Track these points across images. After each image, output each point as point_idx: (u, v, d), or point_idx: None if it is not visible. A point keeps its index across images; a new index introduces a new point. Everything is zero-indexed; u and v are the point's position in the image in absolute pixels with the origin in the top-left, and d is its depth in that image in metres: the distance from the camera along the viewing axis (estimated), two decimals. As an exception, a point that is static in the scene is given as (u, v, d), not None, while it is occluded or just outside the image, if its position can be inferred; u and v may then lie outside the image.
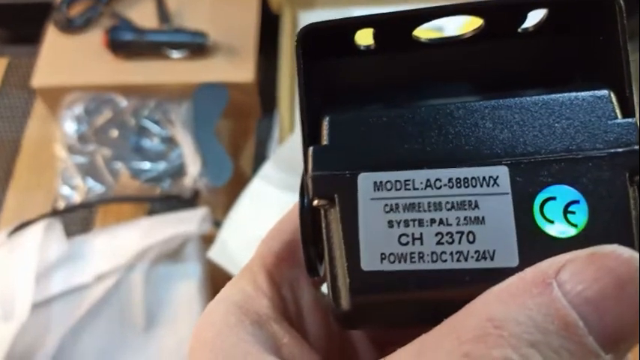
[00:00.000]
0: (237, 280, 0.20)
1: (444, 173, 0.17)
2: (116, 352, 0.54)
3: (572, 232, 0.16)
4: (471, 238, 0.16)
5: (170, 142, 0.65)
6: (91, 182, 0.63)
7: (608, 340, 0.14)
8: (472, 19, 0.19)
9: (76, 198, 0.63)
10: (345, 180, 0.17)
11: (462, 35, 0.20)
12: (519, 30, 0.20)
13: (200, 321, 0.19)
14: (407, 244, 0.17)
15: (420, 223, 0.17)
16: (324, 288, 0.19)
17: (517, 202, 0.16)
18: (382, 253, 0.17)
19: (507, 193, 0.17)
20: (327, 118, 0.18)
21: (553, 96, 0.18)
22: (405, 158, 0.17)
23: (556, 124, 0.17)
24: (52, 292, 0.54)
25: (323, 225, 0.18)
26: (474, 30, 0.20)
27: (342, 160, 0.18)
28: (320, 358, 0.19)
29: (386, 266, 0.17)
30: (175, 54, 0.68)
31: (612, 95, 0.17)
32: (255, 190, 0.58)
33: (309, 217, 0.19)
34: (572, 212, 0.16)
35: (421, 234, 0.17)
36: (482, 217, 0.17)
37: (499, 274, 0.15)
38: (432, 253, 0.17)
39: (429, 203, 0.17)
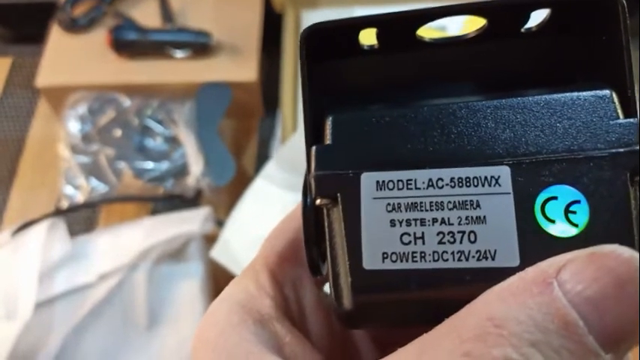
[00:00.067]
0: (240, 280, 0.20)
1: (446, 173, 0.17)
2: (119, 351, 0.54)
3: (573, 231, 0.16)
4: (472, 237, 0.17)
5: (173, 141, 0.65)
6: (94, 182, 0.64)
7: (608, 339, 0.14)
8: (473, 18, 0.19)
9: (80, 197, 0.63)
10: (347, 179, 0.18)
11: (465, 35, 0.20)
12: (522, 30, 0.20)
13: (203, 320, 0.19)
14: (409, 243, 0.17)
15: (422, 222, 0.17)
16: (327, 287, 0.19)
17: (518, 202, 0.16)
18: (384, 253, 0.17)
19: (509, 193, 0.17)
20: (330, 118, 0.18)
21: (555, 96, 0.18)
22: (408, 158, 0.18)
23: (558, 124, 0.17)
24: (55, 291, 0.54)
25: (325, 224, 0.18)
26: (477, 30, 0.20)
27: (345, 160, 0.18)
28: (322, 357, 0.19)
29: (388, 265, 0.17)
30: (179, 53, 0.69)
31: (614, 95, 0.17)
32: (258, 190, 0.58)
33: (311, 217, 0.19)
34: (574, 212, 0.16)
35: (423, 233, 0.17)
36: (484, 217, 0.17)
37: (500, 274, 0.15)
38: (434, 252, 0.17)
39: (430, 203, 0.17)
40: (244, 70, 0.68)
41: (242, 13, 0.72)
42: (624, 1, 0.18)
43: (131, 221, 0.60)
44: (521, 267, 0.15)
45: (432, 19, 0.19)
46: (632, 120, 0.17)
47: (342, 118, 0.18)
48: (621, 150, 0.16)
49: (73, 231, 0.61)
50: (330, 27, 0.19)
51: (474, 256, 0.16)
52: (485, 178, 0.17)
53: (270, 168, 0.59)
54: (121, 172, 0.64)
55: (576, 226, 0.16)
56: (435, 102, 0.18)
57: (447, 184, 0.17)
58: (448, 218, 0.17)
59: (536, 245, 0.16)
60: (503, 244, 0.16)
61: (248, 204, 0.58)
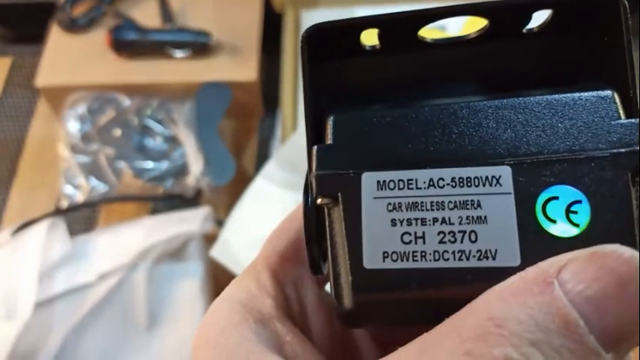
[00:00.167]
0: (242, 279, 0.20)
1: (447, 173, 0.17)
2: (119, 350, 0.54)
3: (574, 231, 0.16)
4: (473, 237, 0.17)
5: (173, 141, 0.65)
6: (94, 181, 0.64)
7: (609, 339, 0.14)
8: (474, 18, 0.19)
9: (79, 197, 0.63)
10: (348, 179, 0.18)
11: (467, 35, 0.20)
12: (524, 31, 0.20)
13: (204, 319, 0.19)
14: (409, 242, 0.17)
15: (423, 222, 0.17)
16: (328, 287, 0.19)
17: (519, 202, 0.16)
18: (385, 252, 0.17)
19: (510, 193, 0.17)
20: (331, 118, 0.18)
21: (556, 96, 0.18)
22: (409, 158, 0.18)
23: (559, 124, 0.17)
24: (55, 291, 0.54)
25: (326, 223, 0.18)
26: (479, 30, 0.20)
27: (346, 160, 0.18)
28: (323, 356, 0.19)
29: (388, 264, 0.17)
30: (178, 53, 0.69)
31: (616, 95, 0.17)
32: (258, 189, 0.58)
33: (313, 216, 0.19)
34: (575, 212, 0.16)
35: (424, 233, 0.17)
36: (485, 217, 0.17)
37: (501, 274, 0.15)
38: (435, 251, 0.17)
39: (431, 202, 0.17)
40: (244, 69, 0.68)
41: (242, 12, 0.72)
42: (626, 2, 0.18)
43: (131, 221, 0.60)
44: (522, 267, 0.15)
45: (434, 20, 0.19)
46: (633, 120, 0.17)
47: (343, 118, 0.18)
48: (622, 150, 0.16)
49: (73, 231, 0.61)
50: (331, 27, 0.19)
51: (474, 256, 0.16)
52: (487, 178, 0.17)
53: (270, 168, 0.59)
54: (121, 171, 0.64)
55: (577, 226, 0.16)
56: (437, 102, 0.18)
57: (447, 184, 0.17)
58: (449, 218, 0.17)
59: (537, 245, 0.16)
60: (504, 244, 0.16)
61: (248, 203, 0.58)
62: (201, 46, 0.68)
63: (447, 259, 0.17)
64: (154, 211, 0.66)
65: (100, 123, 0.66)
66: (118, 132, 0.65)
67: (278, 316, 0.19)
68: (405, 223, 0.17)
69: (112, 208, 0.67)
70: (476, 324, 0.14)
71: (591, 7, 0.18)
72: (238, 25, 0.71)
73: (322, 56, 0.19)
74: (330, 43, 0.19)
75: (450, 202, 0.17)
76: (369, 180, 0.17)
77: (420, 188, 0.17)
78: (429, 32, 0.20)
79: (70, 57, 0.70)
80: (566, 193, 0.16)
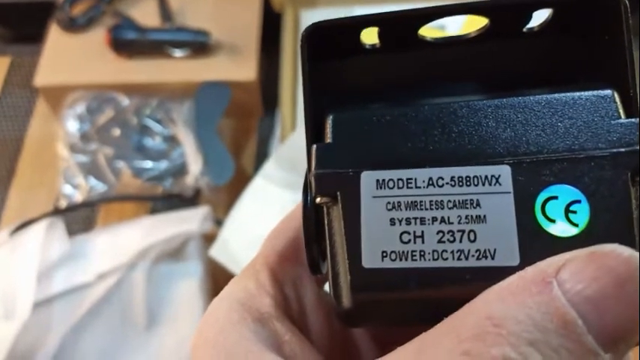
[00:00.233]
0: (241, 279, 0.20)
1: (447, 172, 0.17)
2: (117, 350, 0.54)
3: (573, 231, 0.16)
4: (472, 236, 0.17)
5: (172, 140, 0.65)
6: (93, 181, 0.64)
7: (608, 339, 0.14)
8: (473, 17, 0.19)
9: (78, 197, 0.63)
10: (347, 178, 0.18)
11: (467, 34, 0.20)
12: (524, 30, 0.20)
13: (203, 318, 0.19)
14: (408, 242, 0.17)
15: (422, 221, 0.17)
16: (327, 286, 0.19)
17: (519, 201, 0.16)
18: (383, 251, 0.17)
19: (509, 192, 0.17)
20: (331, 117, 0.18)
21: (556, 95, 0.18)
22: (408, 157, 0.18)
23: (559, 124, 0.17)
24: (53, 291, 0.54)
25: (325, 222, 0.18)
26: (479, 29, 0.20)
27: (345, 159, 0.18)
28: (322, 356, 0.19)
29: (387, 264, 0.17)
30: (177, 53, 0.69)
31: (616, 95, 0.17)
32: (257, 189, 0.58)
33: (312, 215, 0.19)
34: (574, 212, 0.16)
35: (422, 232, 0.17)
36: (484, 216, 0.17)
37: (500, 273, 0.15)
38: (433, 251, 0.17)
39: (430, 202, 0.17)
40: (243, 69, 0.68)
41: (241, 12, 0.72)
42: (626, 1, 0.18)
43: (130, 220, 0.60)
44: (521, 266, 0.15)
45: (435, 19, 0.19)
46: (633, 120, 0.17)
47: (343, 117, 0.18)
48: (622, 150, 0.16)
49: (72, 230, 0.61)
50: (331, 26, 0.19)
51: (473, 255, 0.16)
52: (486, 177, 0.17)
53: (269, 167, 0.59)
54: (120, 171, 0.64)
55: (576, 225, 0.16)
56: (436, 101, 0.18)
57: (447, 183, 0.17)
58: (448, 217, 0.17)
59: (536, 245, 0.16)
60: (503, 244, 0.16)
61: (247, 203, 0.58)
62: (200, 46, 0.68)
63: (446, 259, 0.17)
64: (153, 211, 0.66)
65: (99, 122, 0.65)
66: (117, 131, 0.65)
67: (277, 316, 0.19)
68: (404, 222, 0.17)
69: (111, 207, 0.67)
70: (474, 323, 0.14)
71: (592, 7, 0.18)
72: (237, 24, 0.71)
73: (322, 55, 0.19)
74: (330, 42, 0.19)
75: (450, 201, 0.17)
76: (368, 179, 0.17)
77: (420, 187, 0.17)
78: (429, 31, 0.20)
79: (69, 56, 0.70)
80: (566, 192, 0.16)
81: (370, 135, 0.18)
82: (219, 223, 0.60)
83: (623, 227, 0.16)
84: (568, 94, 0.17)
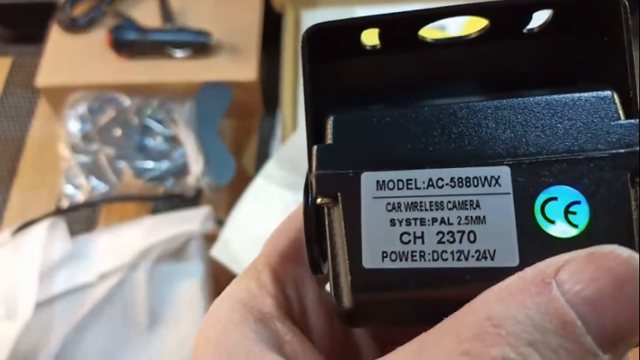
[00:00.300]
0: (242, 279, 0.20)
1: (446, 173, 0.17)
2: (119, 350, 0.54)
3: (572, 232, 0.16)
4: (471, 237, 0.17)
5: (173, 141, 0.65)
6: (94, 181, 0.64)
7: (607, 339, 0.14)
8: (474, 18, 0.19)
9: (80, 197, 0.63)
10: (348, 179, 0.18)
11: (468, 35, 0.20)
12: (524, 31, 0.20)
13: (205, 318, 0.19)
14: (408, 242, 0.17)
15: (422, 222, 0.17)
16: (328, 286, 0.19)
17: (518, 202, 0.16)
18: (384, 252, 0.17)
19: (509, 193, 0.17)
20: (332, 118, 0.19)
21: (556, 96, 0.18)
22: (408, 158, 0.18)
23: (559, 125, 0.17)
24: (55, 290, 0.54)
25: (326, 223, 0.18)
26: (480, 30, 0.20)
27: (346, 159, 0.18)
28: (323, 356, 0.20)
29: (387, 264, 0.17)
30: (178, 53, 0.69)
31: (615, 96, 0.17)
32: (258, 189, 0.59)
33: (312, 216, 0.19)
34: (573, 213, 0.16)
35: (422, 233, 0.17)
36: (484, 217, 0.17)
37: (499, 274, 0.15)
38: (433, 251, 0.17)
39: (430, 202, 0.17)
40: (244, 69, 0.68)
41: (242, 12, 0.72)
42: (626, 2, 0.18)
43: (131, 221, 0.60)
44: (520, 267, 0.15)
45: (435, 20, 0.19)
46: (633, 121, 0.17)
47: (343, 118, 0.18)
48: (622, 151, 0.16)
49: (74, 230, 0.61)
50: (332, 27, 0.19)
51: (473, 256, 0.16)
52: (486, 178, 0.17)
53: (270, 167, 0.59)
54: (121, 171, 0.64)
55: (576, 226, 0.16)
56: (436, 102, 0.18)
57: (447, 184, 0.17)
58: (448, 218, 0.17)
59: (536, 246, 0.16)
60: (503, 244, 0.16)
61: (248, 203, 0.58)
62: (201, 46, 0.68)
63: (446, 259, 0.17)
64: (155, 211, 0.66)
65: (100, 123, 0.66)
66: (118, 132, 0.65)
67: (278, 316, 0.19)
68: (404, 223, 0.17)
69: (113, 207, 0.67)
70: (474, 324, 0.14)
71: (592, 7, 0.18)
72: (238, 24, 0.71)
73: (323, 56, 0.19)
74: (331, 43, 0.19)
75: (449, 202, 0.17)
76: (368, 180, 0.18)
77: (420, 188, 0.17)
78: (430, 32, 0.20)
79: (70, 57, 0.70)
80: (565, 193, 0.16)
81: (370, 136, 0.18)
82: (220, 223, 0.60)
83: (622, 228, 0.16)
84: (568, 95, 0.18)
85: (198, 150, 0.63)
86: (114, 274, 0.56)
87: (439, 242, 0.17)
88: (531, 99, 0.18)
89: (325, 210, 0.18)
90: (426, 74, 0.21)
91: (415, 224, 0.17)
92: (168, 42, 0.69)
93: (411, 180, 0.17)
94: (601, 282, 0.14)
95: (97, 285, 0.55)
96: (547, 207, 0.16)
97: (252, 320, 0.19)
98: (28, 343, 0.52)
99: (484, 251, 0.16)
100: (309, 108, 0.19)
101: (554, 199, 0.16)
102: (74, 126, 0.65)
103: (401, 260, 0.17)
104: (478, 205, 0.17)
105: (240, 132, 0.72)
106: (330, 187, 0.18)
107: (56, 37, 0.72)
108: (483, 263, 0.16)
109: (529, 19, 0.19)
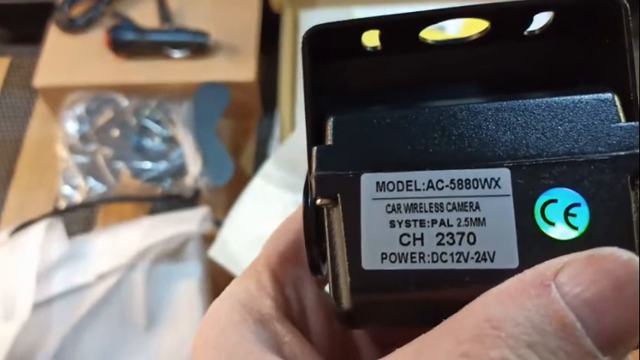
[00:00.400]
0: (242, 279, 0.20)
1: (446, 174, 0.17)
2: (117, 351, 0.54)
3: (572, 234, 0.16)
4: (471, 239, 0.17)
5: (171, 141, 0.65)
6: (92, 182, 0.64)
7: (606, 342, 0.14)
8: (472, 19, 0.19)
9: (78, 197, 0.63)
10: (348, 180, 0.18)
11: (469, 37, 0.20)
12: (525, 33, 0.20)
13: (204, 319, 0.19)
14: (408, 244, 0.17)
15: (422, 223, 0.17)
16: (328, 288, 0.19)
17: (518, 204, 0.16)
18: (383, 253, 0.17)
19: (508, 195, 0.17)
20: (332, 119, 0.19)
21: (557, 99, 0.18)
22: (408, 159, 0.18)
23: (559, 127, 0.17)
24: (53, 291, 0.54)
25: (326, 224, 0.18)
26: (481, 32, 0.20)
27: (346, 161, 0.18)
28: (322, 357, 0.20)
29: (387, 266, 0.17)
30: (176, 53, 0.69)
31: (616, 98, 0.17)
32: (256, 189, 0.59)
33: (312, 217, 0.19)
34: (573, 215, 0.16)
35: (422, 234, 0.17)
36: (483, 219, 0.17)
37: (499, 276, 0.15)
38: (433, 253, 0.17)
39: (430, 204, 0.17)
40: (242, 70, 0.68)
41: (240, 12, 0.72)
42: (627, 4, 0.18)
43: (129, 221, 0.60)
44: (520, 269, 0.15)
45: (436, 22, 0.19)
46: (633, 123, 0.17)
47: (343, 119, 0.18)
48: (622, 153, 0.16)
49: (71, 231, 0.61)
50: (333, 28, 0.19)
51: (472, 258, 0.16)
52: (485, 180, 0.17)
53: (268, 168, 0.59)
54: (119, 172, 0.64)
55: (576, 229, 0.16)
56: (437, 104, 0.18)
57: (446, 186, 0.17)
58: (447, 219, 0.17)
59: (536, 248, 0.16)
60: (503, 246, 0.16)
61: (246, 203, 0.58)
62: (199, 47, 0.68)
63: (446, 261, 0.17)
64: (153, 212, 0.66)
65: (98, 123, 0.65)
66: (116, 132, 0.65)
67: (277, 317, 0.19)
68: (403, 224, 0.17)
69: (110, 208, 0.67)
70: (473, 325, 0.14)
71: (592, 9, 0.18)
72: (236, 25, 0.71)
73: (323, 57, 0.19)
74: (331, 44, 0.19)
75: (449, 203, 0.17)
76: (368, 181, 0.17)
77: (419, 190, 0.17)
78: (431, 34, 0.20)
79: (68, 57, 0.70)
80: (565, 195, 0.16)
81: (370, 137, 0.18)
82: (218, 223, 0.60)
83: (622, 230, 0.16)
84: (568, 97, 0.18)
85: (196, 150, 0.63)
86: (112, 274, 0.56)
87: (439, 244, 0.17)
88: (532, 101, 0.18)
89: (325, 211, 0.18)
90: (426, 76, 0.21)
91: (415, 226, 0.17)
92: (166, 42, 0.68)
93: (410, 181, 0.17)
94: (601, 284, 0.14)
95: (95, 285, 0.55)
96: (547, 209, 0.16)
97: (252, 321, 0.19)
98: (25, 343, 0.52)
99: (484, 253, 0.16)
100: (309, 109, 0.19)
101: (554, 201, 0.16)
102: (72, 126, 0.65)
103: (400, 262, 0.17)
104: (478, 207, 0.17)
105: (238, 132, 0.72)
106: (330, 188, 0.18)
107: (54, 37, 0.72)
108: (483, 265, 0.16)
109: (530, 21, 0.19)
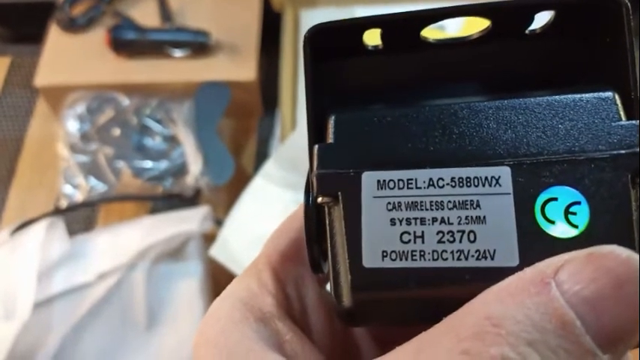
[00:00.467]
0: (243, 278, 0.21)
1: (447, 173, 0.17)
2: (118, 350, 0.54)
3: (573, 232, 0.16)
4: (471, 237, 0.17)
5: (172, 140, 0.65)
6: (93, 181, 0.64)
7: (606, 339, 0.14)
8: (473, 18, 0.19)
9: (79, 197, 0.63)
10: (349, 178, 0.18)
11: (469, 36, 0.20)
12: (526, 32, 0.20)
13: (205, 317, 0.19)
14: (408, 242, 0.17)
15: (422, 221, 0.17)
16: (329, 286, 0.19)
17: (518, 203, 0.17)
18: (384, 251, 0.17)
19: (509, 194, 0.17)
20: (333, 117, 0.19)
21: (557, 97, 0.18)
22: (409, 157, 0.18)
23: (560, 126, 0.17)
24: (53, 291, 0.54)
25: (327, 222, 0.18)
26: (482, 31, 0.20)
27: (347, 159, 0.18)
28: (323, 355, 0.20)
29: (387, 264, 0.17)
30: (177, 53, 0.69)
31: (617, 97, 0.17)
32: (257, 189, 0.59)
33: (313, 215, 0.19)
34: (574, 213, 0.16)
35: (423, 232, 0.17)
36: (484, 217, 0.17)
37: (499, 274, 0.15)
38: (433, 251, 0.17)
39: (431, 202, 0.17)
40: (243, 69, 0.68)
41: (241, 12, 0.72)
42: (628, 4, 0.18)
43: (130, 220, 0.60)
44: (520, 267, 0.15)
45: (437, 20, 0.19)
46: (634, 122, 0.17)
47: (345, 118, 0.19)
48: (622, 152, 0.17)
49: (72, 230, 0.61)
50: (334, 27, 0.19)
51: (473, 256, 0.16)
52: (486, 178, 0.17)
53: (269, 167, 0.59)
54: (120, 171, 0.64)
55: (576, 227, 0.16)
56: (438, 102, 0.18)
57: (447, 184, 0.17)
58: (448, 218, 0.17)
59: (536, 246, 0.16)
60: (503, 244, 0.16)
61: (247, 203, 0.58)
62: (200, 46, 0.68)
63: (446, 259, 0.17)
64: (153, 211, 0.66)
65: (99, 122, 0.66)
66: (117, 131, 0.65)
67: (278, 315, 0.19)
68: (404, 222, 0.17)
69: (111, 207, 0.67)
70: (473, 323, 0.14)
71: (593, 9, 0.18)
72: (237, 24, 0.71)
73: (324, 56, 0.19)
74: (333, 43, 0.19)
75: (450, 201, 0.17)
76: (369, 179, 0.18)
77: (420, 188, 0.17)
78: (432, 32, 0.20)
79: (69, 56, 0.70)
80: (566, 194, 0.16)
81: (371, 135, 0.18)
82: (219, 222, 0.60)
83: (623, 229, 0.16)
84: (569, 95, 0.18)
85: (197, 150, 0.63)
86: (112, 273, 0.56)
87: (439, 242, 0.17)
88: (532, 99, 0.18)
89: (326, 209, 0.18)
90: (427, 74, 0.21)
91: (415, 224, 0.17)
92: (167, 42, 0.69)
93: (411, 180, 0.17)
94: (600, 282, 0.14)
95: (96, 285, 0.55)
96: (547, 207, 0.16)
97: (253, 319, 0.19)
98: (26, 343, 0.52)
99: (484, 251, 0.16)
100: (311, 107, 0.19)
101: (555, 199, 0.16)
102: (73, 126, 0.65)
103: (401, 259, 0.17)
104: (478, 205, 0.17)
105: (239, 132, 0.72)
106: (331, 187, 0.18)
107: (55, 36, 0.72)
108: (483, 263, 0.16)
109: (531, 20, 0.19)
